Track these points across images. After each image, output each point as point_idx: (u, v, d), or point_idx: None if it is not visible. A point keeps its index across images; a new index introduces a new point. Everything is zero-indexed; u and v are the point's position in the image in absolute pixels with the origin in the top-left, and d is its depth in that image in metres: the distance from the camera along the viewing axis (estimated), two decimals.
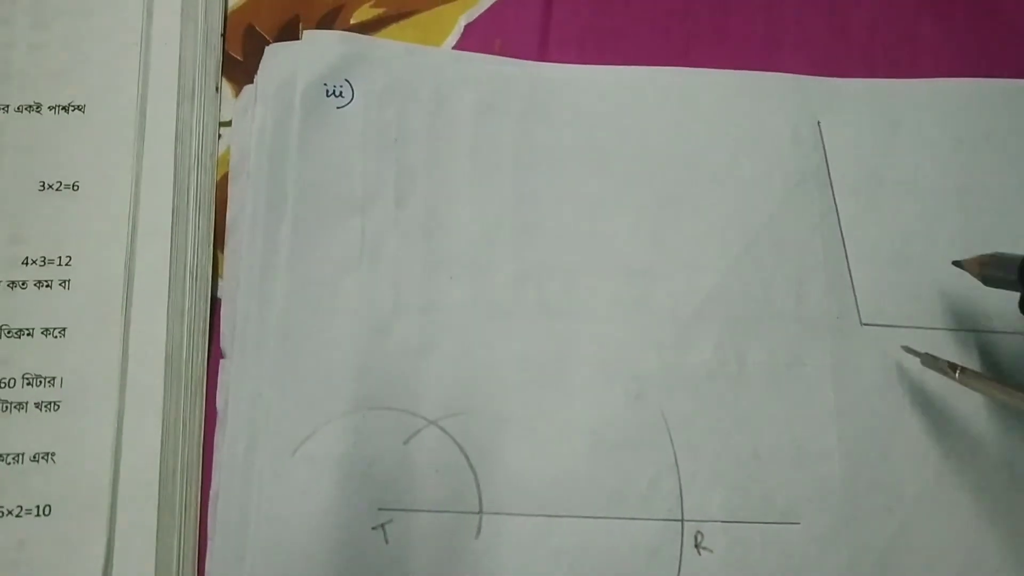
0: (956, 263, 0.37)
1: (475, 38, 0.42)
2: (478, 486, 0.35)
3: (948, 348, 0.37)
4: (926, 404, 0.37)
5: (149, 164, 0.37)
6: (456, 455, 0.35)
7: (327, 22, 0.41)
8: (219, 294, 0.37)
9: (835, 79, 0.41)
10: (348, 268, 0.37)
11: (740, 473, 0.36)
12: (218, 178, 0.39)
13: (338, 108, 0.38)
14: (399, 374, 0.36)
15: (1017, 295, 0.34)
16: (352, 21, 0.41)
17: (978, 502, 0.36)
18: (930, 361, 0.36)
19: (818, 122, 0.40)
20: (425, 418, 0.35)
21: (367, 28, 0.41)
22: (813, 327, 0.38)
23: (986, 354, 0.37)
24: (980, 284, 0.35)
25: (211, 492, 0.35)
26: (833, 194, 0.39)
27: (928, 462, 0.36)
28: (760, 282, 0.38)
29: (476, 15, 0.42)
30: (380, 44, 0.40)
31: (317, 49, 0.39)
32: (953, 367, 0.35)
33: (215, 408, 0.36)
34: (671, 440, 0.36)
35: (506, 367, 0.37)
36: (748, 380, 0.37)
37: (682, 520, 0.35)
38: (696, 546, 0.35)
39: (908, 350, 0.37)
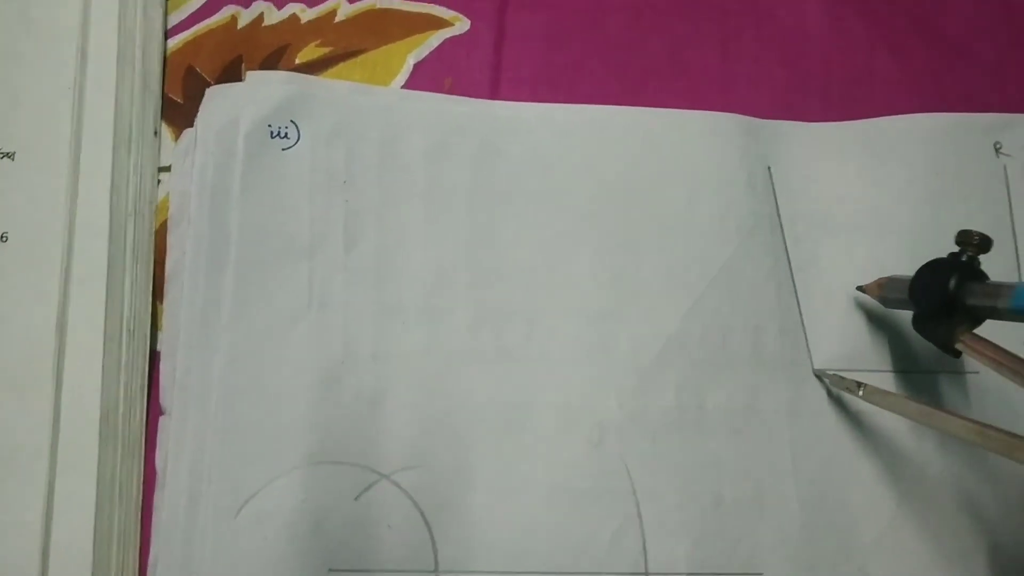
0: (859, 288, 0.37)
1: (425, 77, 0.40)
2: (434, 543, 0.33)
3: (900, 391, 0.37)
4: (880, 448, 0.36)
5: (83, 213, 0.35)
6: (410, 511, 0.34)
7: (271, 62, 0.40)
8: (159, 347, 0.36)
9: (785, 123, 0.41)
10: (295, 316, 0.35)
11: (703, 522, 0.35)
12: (157, 226, 0.37)
13: (283, 150, 0.37)
14: (350, 426, 0.34)
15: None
16: (297, 61, 0.40)
17: (935, 544, 0.35)
18: (838, 381, 0.36)
19: (768, 168, 0.40)
20: (378, 472, 0.34)
21: (313, 68, 0.40)
22: (769, 373, 0.37)
23: (937, 395, 0.37)
24: None
25: (149, 558, 0.33)
26: (784, 240, 0.39)
27: (884, 505, 0.35)
28: (718, 327, 0.37)
29: (425, 54, 0.41)
30: (326, 84, 0.39)
31: (260, 90, 0.37)
32: (858, 385, 0.35)
33: (155, 468, 0.34)
34: (633, 489, 0.35)
35: (463, 417, 0.35)
36: (708, 426, 0.36)
37: (647, 573, 0.34)
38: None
39: (819, 375, 0.37)
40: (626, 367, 0.36)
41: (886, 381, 0.37)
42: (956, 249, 0.33)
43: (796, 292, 0.38)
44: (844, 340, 0.38)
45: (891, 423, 0.36)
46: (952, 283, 0.31)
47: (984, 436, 0.28)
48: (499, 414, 0.35)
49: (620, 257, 0.38)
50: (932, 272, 0.33)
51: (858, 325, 0.38)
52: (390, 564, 0.33)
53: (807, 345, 0.37)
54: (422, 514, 0.34)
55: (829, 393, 0.37)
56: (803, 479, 0.36)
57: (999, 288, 0.30)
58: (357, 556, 0.33)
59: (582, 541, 0.34)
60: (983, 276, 0.32)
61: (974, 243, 0.32)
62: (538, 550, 0.34)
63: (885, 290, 0.36)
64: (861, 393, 0.34)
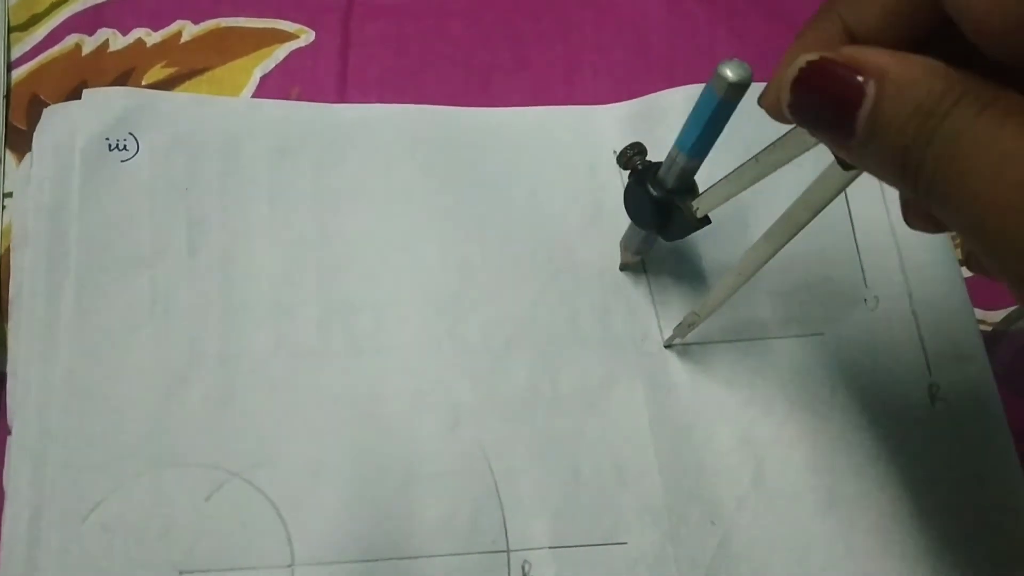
0: (622, 267, 0.39)
1: (272, 88, 0.41)
2: (289, 537, 0.33)
3: (747, 358, 0.37)
4: (736, 414, 0.36)
5: None
6: (264, 506, 0.33)
7: (117, 85, 0.40)
8: (6, 369, 0.35)
9: (623, 104, 0.41)
10: (138, 323, 0.35)
11: (563, 497, 0.35)
12: (3, 250, 0.37)
13: (122, 162, 0.37)
14: (199, 428, 0.34)
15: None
16: (144, 82, 0.41)
17: (795, 504, 0.35)
18: (682, 330, 0.36)
19: (614, 151, 0.40)
20: (228, 471, 0.34)
21: (159, 88, 0.40)
22: (620, 351, 0.37)
23: (780, 357, 0.37)
24: (769, 296, 0.37)
25: None
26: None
27: (744, 469, 0.36)
28: (566, 309, 0.38)
29: (272, 66, 0.42)
30: (166, 96, 0.39)
31: (97, 106, 0.38)
32: (694, 314, 0.35)
33: (3, 489, 0.33)
34: (491, 469, 0.35)
35: (314, 410, 0.35)
36: (563, 403, 0.36)
37: (508, 551, 0.34)
38: None
39: (668, 344, 0.37)
40: (477, 352, 0.37)
41: (739, 349, 0.37)
42: None
43: (645, 270, 0.39)
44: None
45: (747, 390, 0.37)
46: (651, 189, 0.33)
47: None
48: (351, 405, 0.35)
49: (466, 248, 0.38)
50: (632, 197, 0.35)
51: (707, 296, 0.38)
52: (245, 561, 0.33)
53: (658, 322, 0.38)
54: (276, 509, 0.33)
55: (682, 364, 0.37)
56: (663, 449, 0.36)
57: (668, 154, 0.32)
58: (209, 556, 0.33)
59: (441, 524, 0.34)
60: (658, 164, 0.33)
61: (630, 154, 0.34)
62: (397, 536, 0.33)
63: (627, 244, 0.37)
64: (699, 316, 0.35)
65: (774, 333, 0.38)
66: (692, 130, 0.30)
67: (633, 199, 0.35)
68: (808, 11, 0.43)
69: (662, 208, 0.33)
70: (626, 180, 0.40)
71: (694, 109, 0.30)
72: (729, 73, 0.28)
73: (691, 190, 0.33)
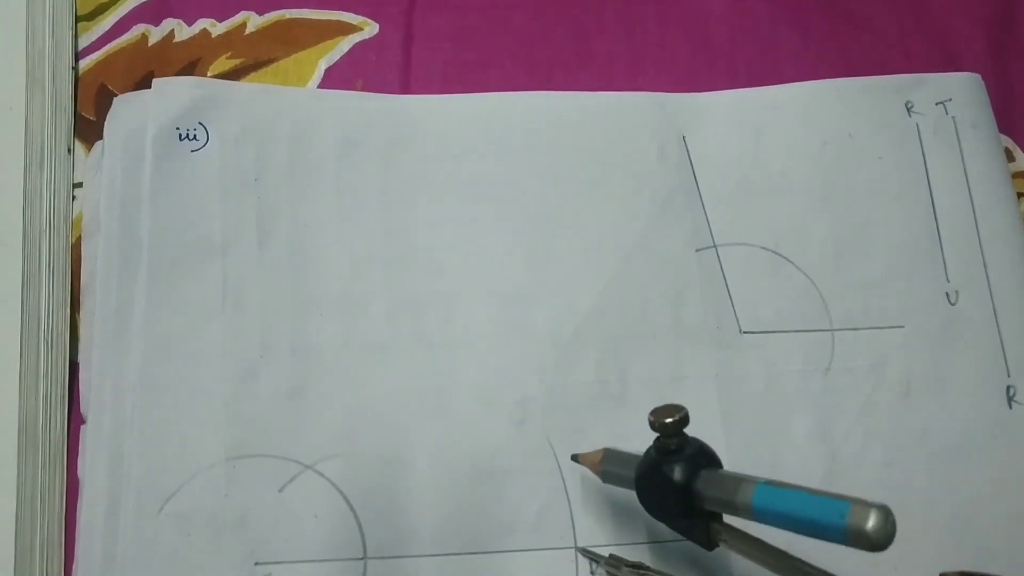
0: (573, 457, 0.34)
1: (336, 80, 0.41)
2: (361, 530, 0.33)
3: (825, 347, 0.37)
4: (811, 405, 0.36)
5: None
6: (336, 499, 0.34)
7: (183, 76, 0.40)
8: (78, 358, 0.36)
9: (697, 94, 0.41)
10: (210, 314, 0.35)
11: (631, 493, 0.34)
12: (74, 240, 0.37)
13: (192, 151, 0.37)
14: (271, 419, 0.34)
15: None
16: (209, 73, 0.41)
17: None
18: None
19: (683, 137, 0.40)
20: (300, 463, 0.34)
21: (225, 79, 0.40)
22: (693, 339, 0.37)
23: (858, 348, 0.37)
24: (848, 286, 0.37)
25: (73, 565, 0.32)
26: (703, 206, 0.39)
27: (817, 464, 0.36)
28: (637, 299, 0.37)
29: (336, 58, 0.42)
30: (235, 87, 0.39)
31: (167, 95, 0.38)
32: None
33: (78, 478, 0.34)
34: (559, 465, 0.35)
35: (384, 403, 0.35)
36: (632, 397, 0.36)
37: (575, 547, 0.34)
38: (592, 573, 0.34)
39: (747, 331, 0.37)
40: (545, 345, 0.36)
41: (816, 339, 0.37)
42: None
43: (719, 257, 0.38)
44: (772, 301, 0.38)
45: (822, 381, 0.37)
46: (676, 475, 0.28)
47: None
48: (420, 399, 0.35)
49: (534, 238, 0.38)
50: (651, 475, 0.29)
51: (786, 285, 0.38)
52: (318, 554, 0.33)
53: (733, 309, 0.38)
54: (348, 502, 0.34)
55: (757, 354, 0.37)
56: (735, 443, 0.36)
57: (733, 476, 0.27)
58: (283, 547, 0.33)
59: (509, 519, 0.34)
60: (707, 459, 0.29)
61: (670, 423, 0.29)
62: (465, 531, 0.34)
63: (605, 464, 0.33)
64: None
65: (853, 324, 0.38)
66: (785, 509, 0.25)
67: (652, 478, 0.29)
68: (875, 12, 0.44)
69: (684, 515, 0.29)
70: (695, 164, 0.40)
71: (806, 503, 0.25)
72: (871, 525, 0.23)
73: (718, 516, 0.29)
